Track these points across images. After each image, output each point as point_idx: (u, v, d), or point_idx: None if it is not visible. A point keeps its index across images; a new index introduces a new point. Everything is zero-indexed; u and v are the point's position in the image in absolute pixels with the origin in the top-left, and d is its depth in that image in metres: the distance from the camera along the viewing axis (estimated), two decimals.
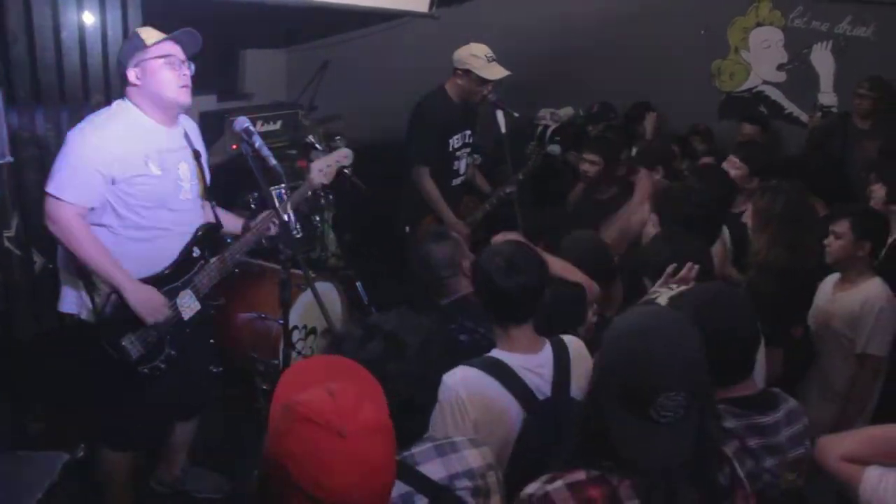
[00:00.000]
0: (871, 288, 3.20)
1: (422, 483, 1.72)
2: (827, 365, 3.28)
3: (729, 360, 2.01)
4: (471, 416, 2.17)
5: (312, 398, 1.32)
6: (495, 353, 2.33)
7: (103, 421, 3.10)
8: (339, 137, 3.79)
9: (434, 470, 1.75)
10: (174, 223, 2.94)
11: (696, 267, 2.57)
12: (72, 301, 2.92)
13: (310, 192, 3.48)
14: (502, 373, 2.25)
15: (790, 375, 3.17)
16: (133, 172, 2.78)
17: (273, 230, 3.22)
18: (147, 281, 2.87)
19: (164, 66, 2.82)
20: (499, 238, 2.82)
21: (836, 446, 1.99)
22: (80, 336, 2.92)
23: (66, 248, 2.78)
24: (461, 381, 2.20)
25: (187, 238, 3.00)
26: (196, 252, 3.02)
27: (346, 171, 3.81)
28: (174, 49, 2.86)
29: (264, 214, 3.22)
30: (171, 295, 2.94)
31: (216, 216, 3.16)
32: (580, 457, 1.67)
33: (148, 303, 2.83)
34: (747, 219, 3.43)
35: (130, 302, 2.78)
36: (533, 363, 2.31)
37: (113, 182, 2.77)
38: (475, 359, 2.30)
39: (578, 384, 2.35)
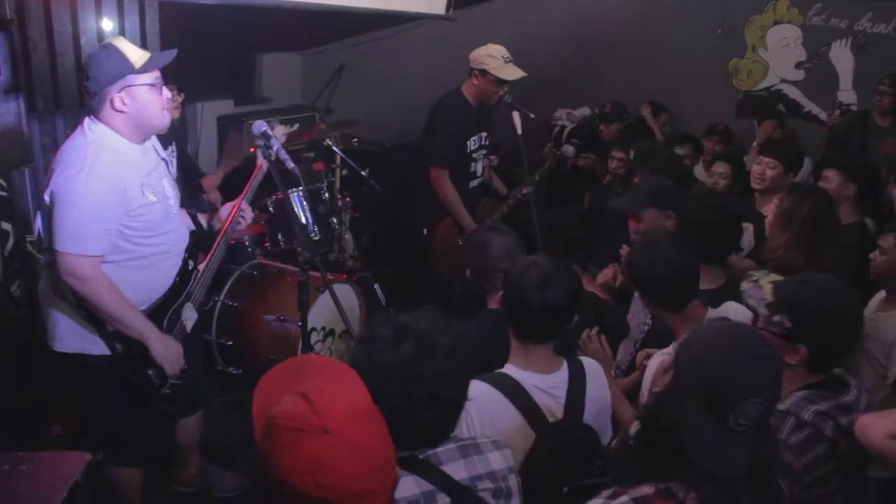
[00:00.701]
0: None
1: (444, 482, 1.71)
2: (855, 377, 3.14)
3: (838, 344, 2.15)
4: (477, 432, 2.13)
5: (287, 407, 1.33)
6: (509, 368, 2.27)
7: (108, 441, 3.02)
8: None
9: (457, 470, 1.75)
10: (172, 243, 2.88)
11: (595, 331, 2.65)
12: (73, 339, 2.79)
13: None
14: (513, 391, 2.19)
15: None
16: (136, 204, 2.68)
17: (243, 224, 3.17)
18: (158, 306, 2.85)
19: (152, 91, 2.68)
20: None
21: (882, 424, 1.98)
22: (90, 370, 2.83)
23: (91, 303, 2.65)
24: (470, 394, 2.17)
25: (183, 252, 2.94)
26: (191, 264, 2.98)
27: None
28: (157, 72, 2.72)
29: (227, 208, 3.17)
30: (178, 312, 2.91)
31: (196, 220, 3.13)
32: (638, 464, 1.69)
33: (170, 356, 2.80)
34: (766, 212, 3.36)
35: (156, 356, 2.75)
36: (547, 383, 2.25)
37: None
38: (487, 374, 2.24)
39: (592, 409, 2.30)
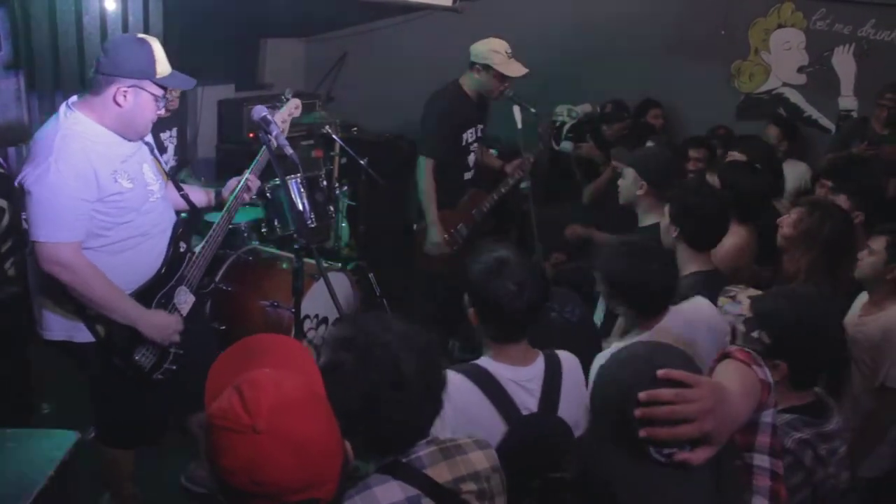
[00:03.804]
0: (894, 315, 2.95)
1: (428, 486, 1.70)
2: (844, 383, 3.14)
3: (819, 359, 2.08)
4: (448, 423, 2.08)
5: (222, 404, 1.31)
6: (484, 361, 2.24)
7: (102, 423, 3.06)
8: (288, 90, 3.59)
9: (440, 473, 1.74)
10: (152, 225, 2.85)
11: None
12: (60, 328, 2.79)
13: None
14: (486, 382, 2.16)
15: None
16: (108, 192, 2.65)
17: (247, 197, 3.18)
18: (143, 290, 2.82)
19: (154, 103, 2.71)
20: None
21: None
22: (78, 356, 2.84)
23: (76, 290, 2.63)
24: None
25: (168, 235, 2.92)
26: (182, 247, 2.97)
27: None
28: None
29: (234, 181, 3.17)
30: (169, 296, 2.90)
31: (189, 201, 3.13)
32: None
33: (161, 329, 2.79)
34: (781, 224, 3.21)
35: (145, 333, 2.74)
36: (521, 376, 2.21)
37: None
38: (461, 364, 2.21)
39: (567, 403, 2.26)
